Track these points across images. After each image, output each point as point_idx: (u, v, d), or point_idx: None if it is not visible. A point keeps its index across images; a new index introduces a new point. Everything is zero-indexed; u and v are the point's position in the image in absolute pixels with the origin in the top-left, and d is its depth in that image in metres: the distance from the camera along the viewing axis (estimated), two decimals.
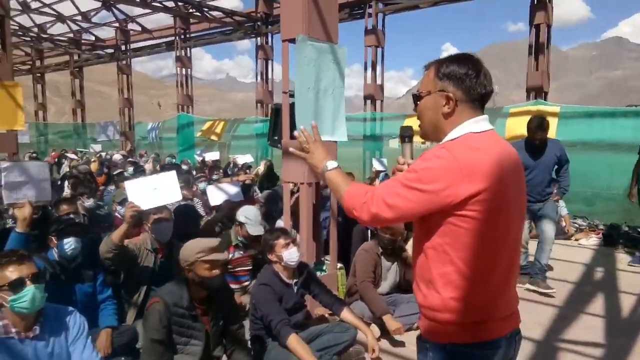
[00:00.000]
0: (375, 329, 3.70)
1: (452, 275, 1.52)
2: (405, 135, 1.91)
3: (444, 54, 1.63)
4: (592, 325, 4.10)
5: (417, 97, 1.67)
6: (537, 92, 9.82)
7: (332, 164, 1.79)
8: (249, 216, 4.12)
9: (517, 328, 1.67)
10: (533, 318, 4.22)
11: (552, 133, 8.50)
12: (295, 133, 1.95)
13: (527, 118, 8.72)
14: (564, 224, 7.67)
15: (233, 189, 5.46)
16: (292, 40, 3.81)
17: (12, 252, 2.37)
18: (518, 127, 8.99)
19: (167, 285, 2.82)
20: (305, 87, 3.78)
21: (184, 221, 4.39)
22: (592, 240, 7.20)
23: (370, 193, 1.58)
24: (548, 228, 4.95)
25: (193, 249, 2.73)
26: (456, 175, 1.43)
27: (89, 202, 5.30)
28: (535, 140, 4.89)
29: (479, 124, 1.57)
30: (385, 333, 3.63)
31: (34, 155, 12.58)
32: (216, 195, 5.27)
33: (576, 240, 7.37)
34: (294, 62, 3.79)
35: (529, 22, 9.89)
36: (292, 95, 3.90)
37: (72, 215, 4.37)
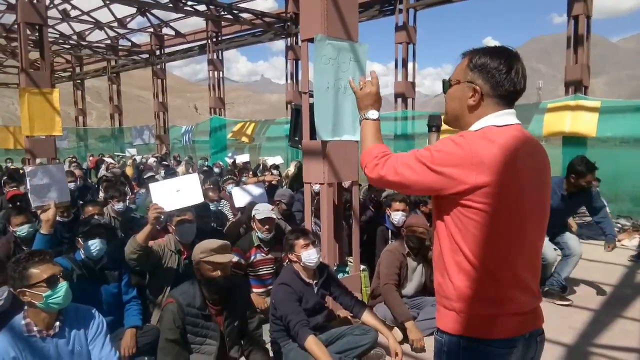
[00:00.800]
0: (397, 333, 3.63)
1: (464, 265, 1.52)
2: (432, 124, 1.89)
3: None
4: (629, 329, 3.90)
5: (447, 84, 1.67)
6: (577, 86, 9.46)
7: (373, 114, 1.80)
8: (258, 207, 4.33)
9: (539, 328, 1.63)
10: (567, 322, 4.05)
11: (592, 129, 8.19)
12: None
13: (566, 113, 8.51)
14: None
15: (257, 190, 5.49)
16: (312, 40, 3.79)
17: (43, 252, 2.46)
18: (557, 122, 8.69)
19: (181, 286, 2.87)
20: (324, 86, 3.74)
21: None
22: (636, 241, 6.85)
23: (386, 157, 1.62)
24: (574, 243, 4.67)
25: (199, 248, 2.80)
26: (466, 163, 1.44)
27: (119, 206, 5.42)
28: (586, 184, 4.38)
29: (502, 117, 1.55)
30: (408, 337, 3.56)
31: (74, 160, 13.02)
32: (241, 197, 5.30)
33: (618, 241, 7.01)
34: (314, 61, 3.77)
35: (567, 14, 9.54)
36: (312, 96, 3.87)
37: (97, 217, 4.49)
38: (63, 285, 2.33)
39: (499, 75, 1.52)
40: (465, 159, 1.44)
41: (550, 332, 3.90)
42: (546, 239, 4.61)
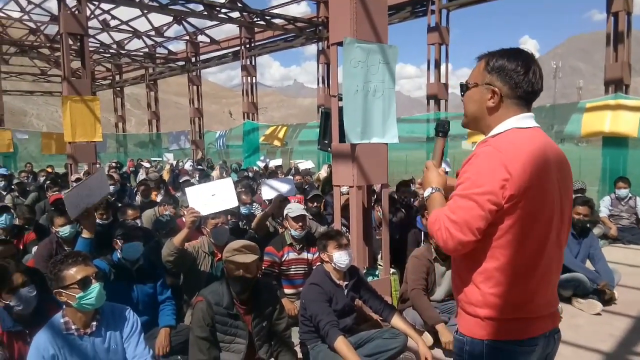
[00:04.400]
0: (427, 337, 3.59)
1: (493, 272, 1.53)
2: (440, 129, 1.81)
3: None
4: None
5: (464, 87, 1.68)
6: (617, 84, 9.12)
7: (427, 191, 1.72)
8: (291, 207, 4.38)
9: (557, 327, 1.66)
10: (606, 329, 3.92)
11: (633, 129, 7.89)
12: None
13: (606, 113, 8.25)
14: None
15: (286, 185, 5.55)
16: (341, 44, 3.81)
17: (77, 253, 2.56)
18: (596, 123, 8.43)
19: (211, 285, 2.95)
20: (354, 89, 3.75)
21: None
22: None
23: (439, 221, 1.53)
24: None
25: (227, 247, 2.86)
26: (505, 171, 1.45)
27: (169, 212, 5.60)
28: (576, 215, 4.72)
29: (524, 120, 1.57)
30: (438, 341, 3.51)
31: (114, 165, 13.43)
32: (269, 191, 5.36)
33: None
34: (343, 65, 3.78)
35: (606, 10, 9.24)
36: (341, 99, 3.89)
37: (136, 220, 4.64)
38: (95, 287, 2.40)
39: (517, 76, 1.55)
40: (503, 168, 1.45)
41: (589, 339, 3.79)
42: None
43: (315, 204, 5.64)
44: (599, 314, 4.25)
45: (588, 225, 4.79)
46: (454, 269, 1.70)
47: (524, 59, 1.56)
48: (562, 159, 1.61)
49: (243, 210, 5.82)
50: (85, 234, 3.60)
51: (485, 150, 1.50)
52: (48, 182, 8.39)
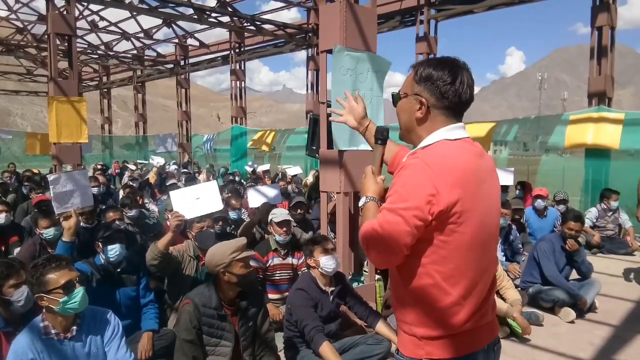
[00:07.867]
0: None
1: (428, 289, 1.49)
2: (379, 137, 1.71)
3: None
4: None
5: (396, 98, 1.64)
6: (600, 97, 9.29)
7: (362, 200, 1.68)
8: (275, 212, 4.39)
9: (495, 338, 1.64)
10: (586, 338, 3.97)
11: (615, 142, 8.04)
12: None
13: (589, 125, 8.40)
14: (628, 238, 7.17)
15: (272, 192, 5.54)
16: (331, 51, 3.84)
17: (59, 257, 2.52)
18: (579, 135, 8.58)
19: (197, 288, 2.93)
20: (342, 96, 3.77)
21: None
22: None
23: (365, 237, 1.48)
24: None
25: (226, 251, 2.81)
26: (432, 186, 1.40)
27: (131, 213, 5.49)
28: (568, 230, 4.71)
29: (454, 131, 1.53)
30: None
31: (99, 167, 13.27)
32: (255, 198, 5.35)
33: None
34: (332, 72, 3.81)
35: (590, 25, 9.42)
36: (330, 105, 3.92)
37: (117, 222, 4.59)
38: (79, 291, 2.37)
39: (443, 86, 1.51)
40: (430, 182, 1.40)
41: (569, 347, 3.83)
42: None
43: (299, 210, 5.62)
44: (572, 322, 4.31)
45: (579, 239, 4.83)
46: (391, 286, 1.65)
47: (451, 68, 1.52)
48: (492, 172, 1.58)
49: (232, 215, 5.79)
50: (66, 237, 3.56)
51: (414, 163, 1.45)
52: (30, 184, 8.27)
